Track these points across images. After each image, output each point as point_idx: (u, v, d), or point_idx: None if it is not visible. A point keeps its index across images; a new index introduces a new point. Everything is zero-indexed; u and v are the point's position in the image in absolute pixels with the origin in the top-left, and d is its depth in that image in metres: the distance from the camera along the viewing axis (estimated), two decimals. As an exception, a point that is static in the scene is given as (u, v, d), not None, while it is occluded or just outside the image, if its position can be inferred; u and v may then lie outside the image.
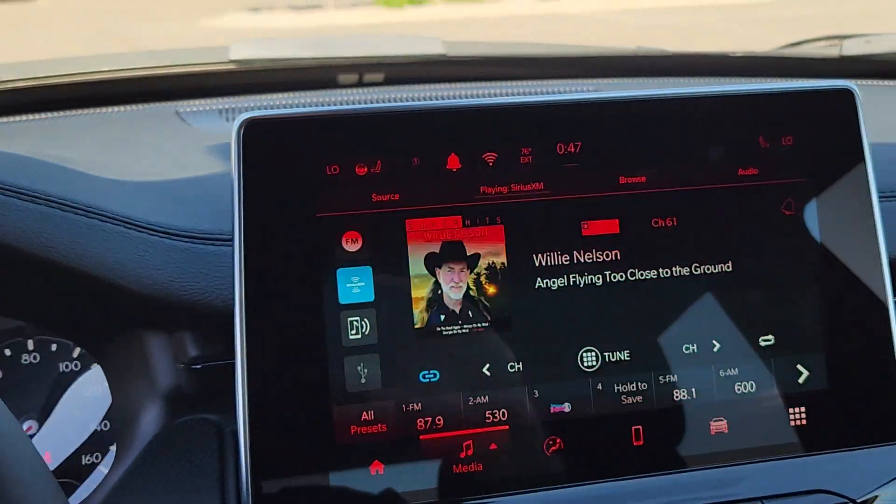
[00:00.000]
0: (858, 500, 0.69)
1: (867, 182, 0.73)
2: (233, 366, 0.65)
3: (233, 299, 0.65)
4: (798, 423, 0.71)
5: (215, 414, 0.72)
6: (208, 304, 0.70)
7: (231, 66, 1.25)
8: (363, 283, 0.66)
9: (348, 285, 0.66)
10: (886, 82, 1.29)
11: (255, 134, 0.66)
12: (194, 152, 0.91)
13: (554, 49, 1.44)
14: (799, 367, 0.71)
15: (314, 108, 0.67)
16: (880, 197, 0.74)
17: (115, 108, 1.13)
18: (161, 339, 0.74)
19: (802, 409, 0.71)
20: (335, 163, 0.66)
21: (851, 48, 1.35)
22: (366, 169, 0.67)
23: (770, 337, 0.71)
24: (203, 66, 1.26)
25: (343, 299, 0.66)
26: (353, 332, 0.66)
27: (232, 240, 0.65)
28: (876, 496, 0.69)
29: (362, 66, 1.30)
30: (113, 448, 0.75)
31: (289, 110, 0.66)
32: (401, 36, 1.39)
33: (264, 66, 1.27)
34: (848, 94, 0.73)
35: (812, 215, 0.72)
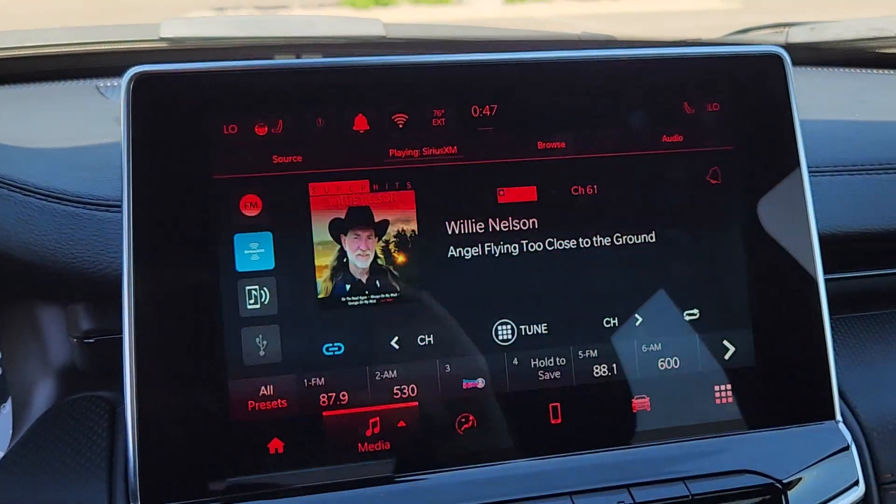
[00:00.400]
0: (784, 481, 0.66)
1: (797, 151, 0.70)
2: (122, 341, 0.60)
3: (121, 266, 0.60)
4: (723, 401, 0.68)
5: (110, 391, 0.68)
6: (101, 273, 0.66)
7: (162, 45, 1.21)
8: (262, 250, 0.62)
9: (246, 252, 0.62)
10: (829, 69, 1.27)
11: (147, 89, 0.61)
12: (106, 124, 0.86)
13: (496, 32, 1.40)
14: (725, 342, 0.68)
15: (211, 64, 0.62)
16: (811, 172, 0.71)
17: (39, 84, 1.08)
18: (53, 311, 0.70)
19: (728, 386, 0.68)
20: (233, 122, 0.62)
21: (796, 36, 1.33)
22: (266, 129, 0.63)
23: (695, 311, 0.68)
24: (133, 43, 1.22)
25: (241, 267, 0.62)
26: (252, 301, 0.62)
27: (121, 203, 0.61)
28: (801, 478, 0.66)
29: (299, 47, 1.26)
30: (7, 417, 0.70)
31: (183, 65, 0.62)
32: (340, 17, 1.35)
33: (196, 45, 1.22)
34: (777, 60, 0.70)
35: (739, 185, 0.69)
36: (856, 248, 0.81)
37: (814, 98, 1.02)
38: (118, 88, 1.01)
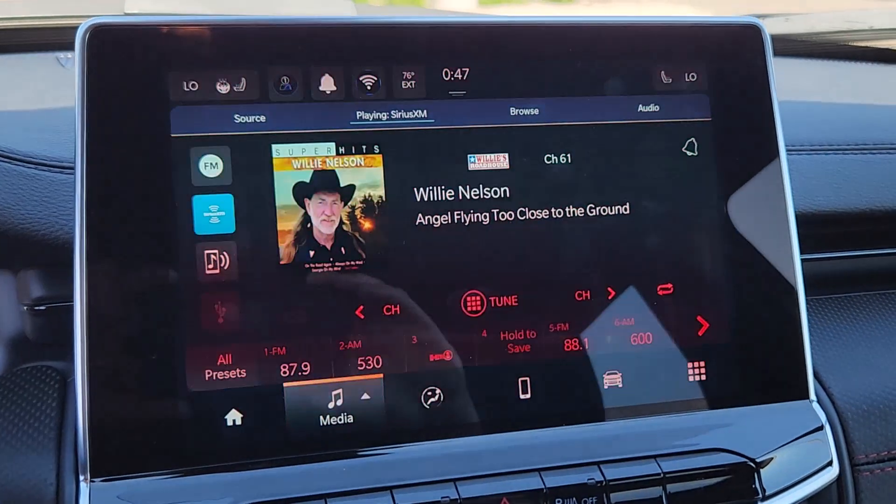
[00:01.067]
0: (757, 460, 0.64)
1: (774, 124, 0.69)
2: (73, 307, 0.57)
3: (73, 229, 0.57)
4: (696, 377, 0.66)
5: (61, 361, 0.65)
6: (53, 237, 0.63)
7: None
8: (223, 213, 0.60)
9: (205, 214, 0.60)
10: (803, 60, 1.27)
11: (103, 43, 0.59)
12: (62, 90, 0.83)
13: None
14: (699, 318, 0.67)
15: (172, 17, 0.60)
16: (788, 151, 0.70)
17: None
18: (3, 278, 0.67)
19: (701, 363, 0.66)
20: (193, 78, 0.60)
21: (771, 27, 1.32)
22: (228, 87, 0.60)
23: (668, 286, 0.66)
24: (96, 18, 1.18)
25: (199, 230, 0.59)
26: (211, 266, 0.59)
27: (74, 164, 0.58)
28: (774, 457, 0.65)
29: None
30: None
31: (143, 17, 0.59)
32: (310, -4, 1.32)
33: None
34: (755, 31, 0.69)
35: (716, 158, 0.68)
36: (832, 228, 0.80)
37: (788, 87, 1.01)
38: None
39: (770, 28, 1.33)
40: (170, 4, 1.19)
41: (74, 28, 1.13)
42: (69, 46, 1.09)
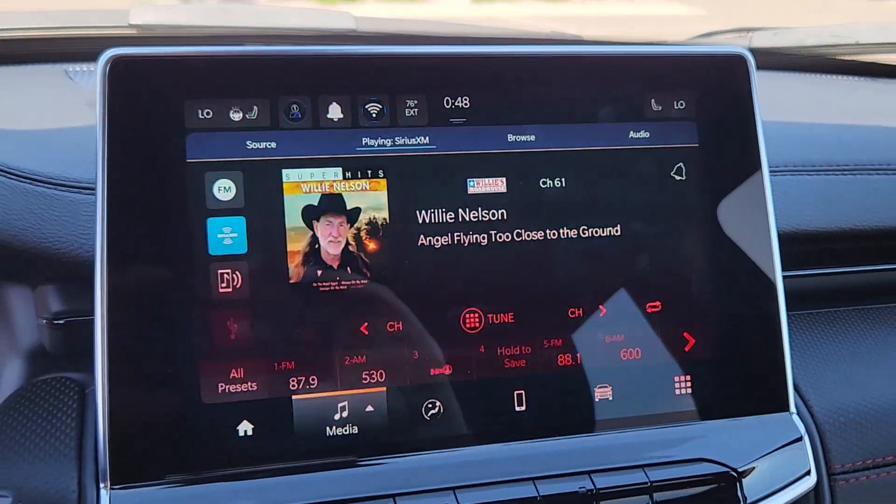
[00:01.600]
0: (739, 469, 0.68)
1: (758, 150, 0.72)
2: (93, 322, 0.60)
3: (94, 248, 0.61)
4: (683, 391, 0.70)
5: (79, 373, 0.68)
6: (72, 254, 0.66)
7: (131, 31, 1.20)
8: (235, 234, 0.63)
9: (219, 236, 0.63)
10: (791, 73, 1.30)
11: (123, 72, 0.62)
12: (76, 108, 0.86)
13: (467, 28, 1.42)
14: (685, 334, 0.70)
15: (187, 48, 0.63)
16: (772, 171, 0.74)
17: (5, 67, 1.08)
18: (22, 292, 0.70)
19: (688, 377, 0.70)
20: (208, 106, 0.63)
21: (759, 41, 1.36)
22: (241, 114, 0.64)
23: (657, 303, 0.70)
24: (102, 29, 1.21)
25: (213, 250, 0.63)
26: (224, 284, 0.63)
27: (95, 185, 0.61)
28: (755, 467, 0.68)
29: (269, 38, 1.26)
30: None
31: (160, 48, 0.63)
32: (311, 8, 1.35)
33: (166, 34, 1.22)
34: (741, 60, 0.73)
35: (702, 182, 0.71)
36: (813, 246, 0.84)
37: (775, 101, 1.05)
38: (87, 73, 1.01)
39: (758, 42, 1.37)
40: (173, 17, 1.22)
41: (82, 39, 1.16)
42: (77, 58, 1.13)
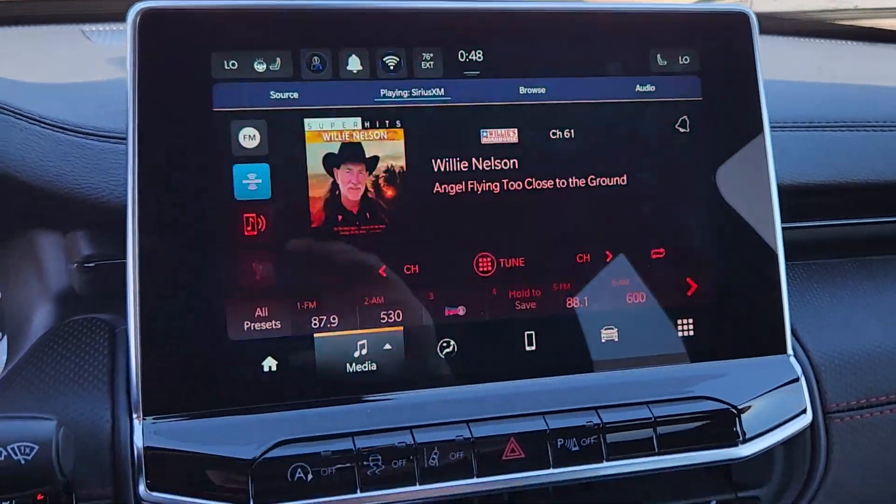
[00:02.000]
0: (739, 407, 0.71)
1: (760, 104, 0.75)
2: (125, 264, 0.64)
3: (125, 194, 0.64)
4: (685, 333, 0.73)
5: (108, 314, 0.71)
6: (101, 200, 0.69)
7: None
8: (260, 181, 0.66)
9: (244, 182, 0.66)
10: (790, 38, 1.33)
11: (152, 24, 0.64)
12: (95, 63, 0.89)
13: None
14: (688, 280, 0.73)
15: (214, 2, 0.66)
16: (773, 127, 0.76)
17: (23, 28, 1.10)
18: (53, 237, 0.73)
19: (690, 320, 0.73)
20: (233, 58, 0.66)
21: (760, 5, 1.39)
22: (265, 65, 0.66)
23: (661, 250, 0.73)
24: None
25: (239, 195, 0.66)
26: (249, 228, 0.66)
27: (126, 135, 0.64)
28: (754, 405, 0.72)
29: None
30: (3, 347, 0.73)
31: (187, 2, 0.65)
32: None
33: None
34: (744, 18, 0.75)
35: (706, 134, 0.74)
36: (813, 199, 0.87)
37: (776, 64, 1.07)
38: (104, 33, 1.04)
39: (759, 7, 1.39)
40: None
41: (97, 1, 1.18)
42: (93, 19, 1.15)
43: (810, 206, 0.89)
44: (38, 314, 0.73)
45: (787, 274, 0.74)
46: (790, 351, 0.74)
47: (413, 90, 0.69)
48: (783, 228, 0.75)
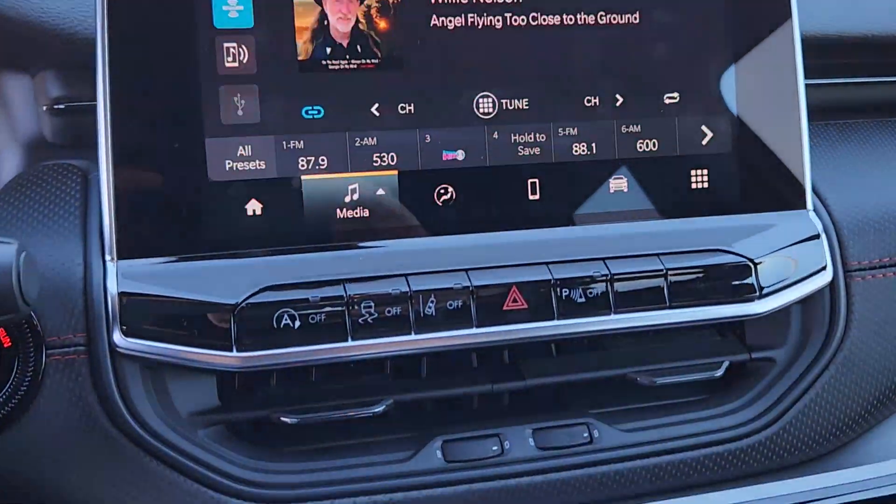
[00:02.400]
0: (756, 260, 0.67)
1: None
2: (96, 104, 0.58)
3: (94, 26, 0.58)
4: (700, 185, 0.68)
5: (81, 160, 0.66)
6: (71, 33, 0.64)
7: None
8: (241, 7, 0.61)
9: (224, 8, 0.60)
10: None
11: None
12: None
13: None
14: (703, 127, 0.68)
15: None
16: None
17: None
18: (22, 80, 0.68)
19: (705, 171, 0.68)
20: None
21: None
22: None
23: (675, 94, 0.68)
24: None
25: (218, 23, 0.60)
26: (230, 59, 0.60)
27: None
28: (772, 260, 0.67)
29: None
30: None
31: None
32: None
33: None
34: None
35: (726, -29, 0.68)
36: (836, 57, 0.81)
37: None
38: None
39: None
40: None
41: None
42: None
43: (833, 65, 0.83)
44: (7, 158, 0.68)
45: (809, 133, 0.69)
46: (811, 206, 0.70)
47: (408, -88, 0.63)
48: (806, 85, 0.69)
